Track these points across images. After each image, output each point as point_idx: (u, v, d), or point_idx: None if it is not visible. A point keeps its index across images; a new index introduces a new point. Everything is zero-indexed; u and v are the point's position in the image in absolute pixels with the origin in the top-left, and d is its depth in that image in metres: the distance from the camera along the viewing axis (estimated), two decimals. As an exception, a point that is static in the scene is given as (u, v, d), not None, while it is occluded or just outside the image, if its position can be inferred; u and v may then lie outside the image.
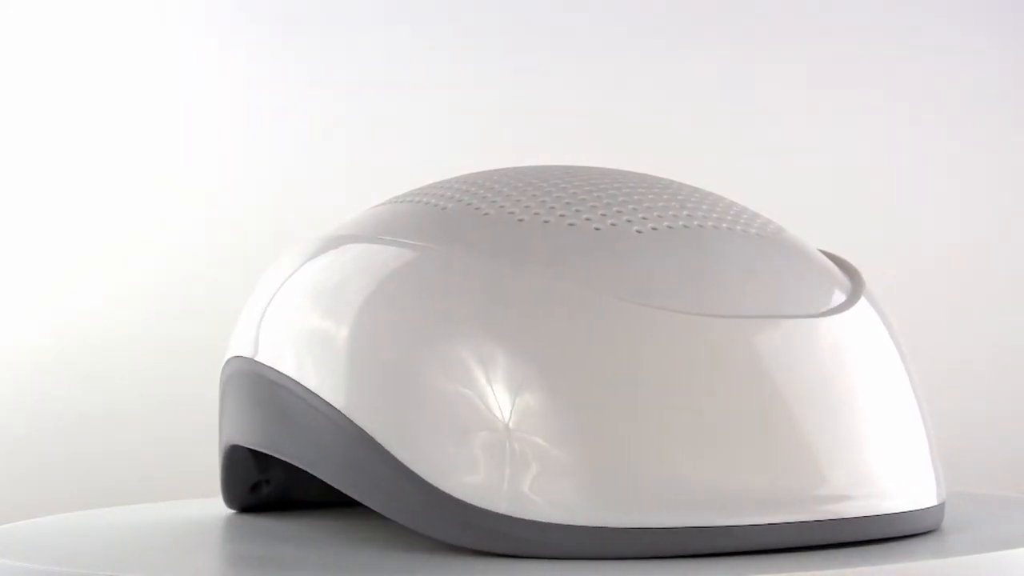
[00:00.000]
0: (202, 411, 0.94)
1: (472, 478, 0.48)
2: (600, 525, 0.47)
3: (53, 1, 1.00)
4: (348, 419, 0.51)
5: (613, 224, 0.52)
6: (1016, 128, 1.02)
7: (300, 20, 1.02)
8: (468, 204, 0.54)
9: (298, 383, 0.54)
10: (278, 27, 1.02)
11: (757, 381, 0.49)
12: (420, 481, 0.49)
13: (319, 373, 0.53)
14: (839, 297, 0.53)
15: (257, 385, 0.57)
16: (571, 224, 0.52)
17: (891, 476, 0.51)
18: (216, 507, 0.66)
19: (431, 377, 0.50)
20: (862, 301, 0.53)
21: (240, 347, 0.59)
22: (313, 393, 0.53)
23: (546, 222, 0.52)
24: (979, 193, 1.02)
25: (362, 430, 0.51)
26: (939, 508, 0.54)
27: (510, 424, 0.48)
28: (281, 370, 0.55)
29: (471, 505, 0.48)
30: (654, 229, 0.52)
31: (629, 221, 0.52)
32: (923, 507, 0.52)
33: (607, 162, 0.61)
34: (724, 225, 0.53)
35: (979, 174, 1.02)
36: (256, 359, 0.58)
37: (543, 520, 0.47)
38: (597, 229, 0.52)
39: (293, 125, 1.01)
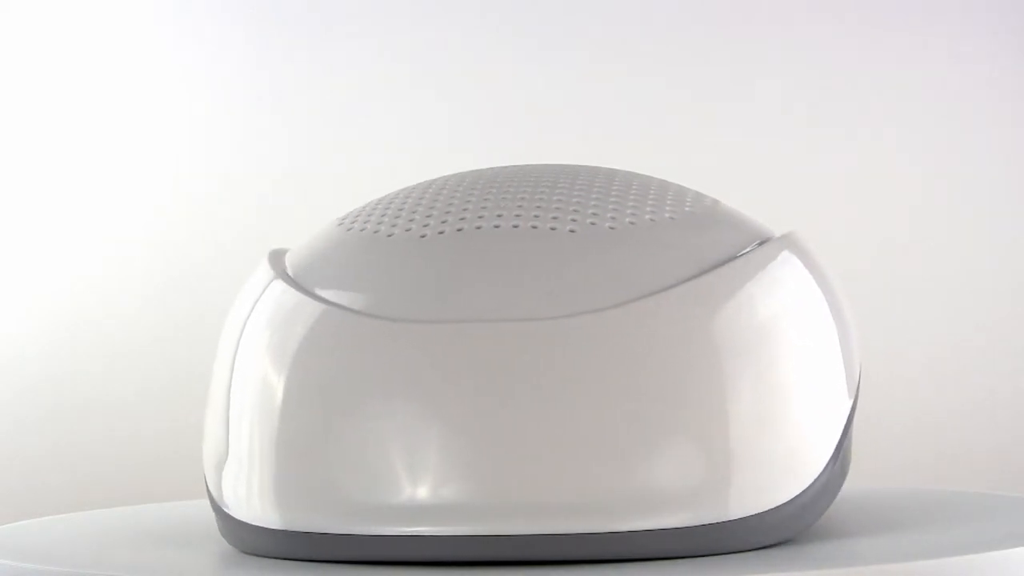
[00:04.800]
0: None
1: (228, 493, 0.52)
2: (305, 531, 0.49)
3: (51, 0, 1.00)
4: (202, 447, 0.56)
5: (407, 230, 0.52)
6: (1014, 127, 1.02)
7: (298, 20, 1.02)
8: (348, 217, 0.56)
9: None
10: (278, 24, 1.02)
11: (453, 387, 0.48)
12: (211, 497, 0.53)
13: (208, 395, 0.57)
14: (624, 296, 0.50)
15: None
16: (375, 232, 0.53)
17: (618, 491, 0.48)
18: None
19: (211, 401, 0.54)
20: (653, 300, 0.50)
21: None
22: None
23: (362, 230, 0.53)
24: (975, 193, 1.02)
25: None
26: (729, 526, 0.49)
27: (243, 438, 0.51)
28: None
29: (231, 516, 0.52)
30: (440, 233, 0.52)
31: (426, 225, 0.52)
32: (676, 526, 0.49)
33: (602, 160, 0.61)
34: (530, 224, 0.51)
35: (978, 174, 1.02)
36: None
37: (265, 526, 0.50)
38: (389, 236, 0.52)
39: (290, 121, 1.01)
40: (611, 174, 0.56)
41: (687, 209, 0.54)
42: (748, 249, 0.53)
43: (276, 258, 0.55)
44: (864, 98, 1.02)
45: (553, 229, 0.51)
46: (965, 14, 1.02)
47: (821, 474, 0.52)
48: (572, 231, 0.51)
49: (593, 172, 0.56)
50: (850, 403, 0.53)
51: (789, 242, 0.54)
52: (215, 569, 0.50)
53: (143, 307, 0.99)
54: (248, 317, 0.53)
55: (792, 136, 1.01)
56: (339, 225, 0.55)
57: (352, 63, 1.02)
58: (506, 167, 0.57)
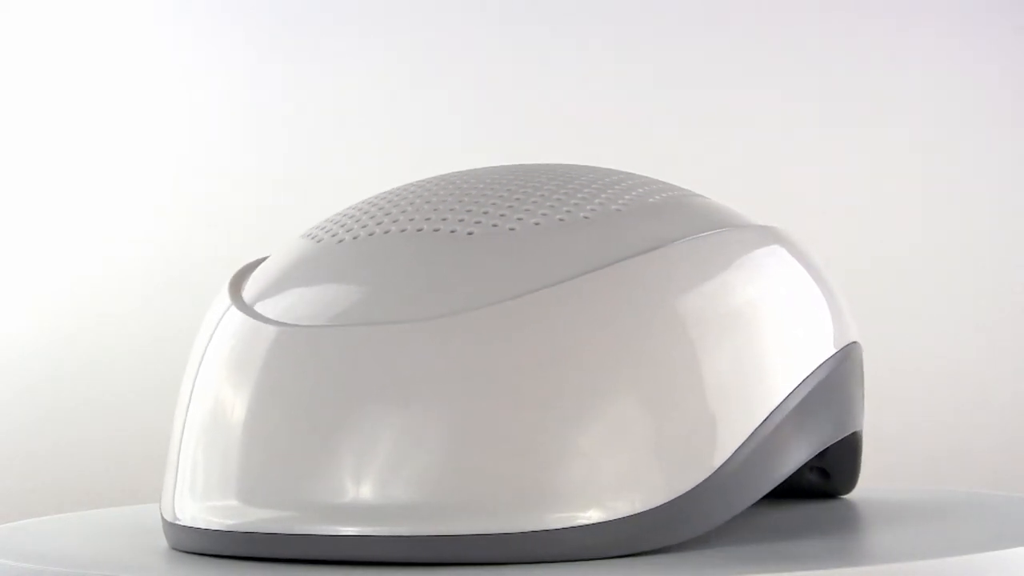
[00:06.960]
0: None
1: (165, 500, 0.54)
2: (222, 529, 0.50)
3: (51, 1, 1.00)
4: None
5: (334, 235, 0.54)
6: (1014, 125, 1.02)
7: (298, 20, 1.02)
8: (316, 225, 0.57)
9: None
10: (278, 24, 1.02)
11: (334, 389, 0.49)
12: (162, 515, 0.54)
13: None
14: (497, 296, 0.49)
15: None
16: (312, 238, 0.54)
17: (493, 491, 0.48)
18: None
19: (174, 422, 0.55)
20: (530, 297, 0.49)
21: None
22: None
23: (309, 237, 0.55)
24: (976, 193, 1.02)
25: None
26: (610, 525, 0.48)
27: (184, 446, 0.53)
28: None
29: (165, 520, 0.53)
30: (355, 239, 0.53)
31: (350, 230, 0.53)
32: (562, 527, 0.48)
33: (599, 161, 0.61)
34: (433, 227, 0.52)
35: (978, 174, 1.02)
36: None
37: (195, 526, 0.51)
38: (319, 242, 0.54)
39: (290, 121, 1.01)
40: (554, 172, 0.55)
41: (614, 208, 0.53)
42: (666, 243, 0.52)
43: (237, 279, 0.56)
44: (865, 98, 1.02)
45: (453, 232, 0.52)
46: (965, 14, 1.02)
47: (723, 467, 0.49)
48: (470, 233, 0.52)
49: (534, 172, 0.55)
50: (784, 394, 0.51)
51: (709, 239, 0.53)
52: (214, 568, 0.50)
53: (143, 307, 0.99)
54: (207, 342, 0.54)
55: (792, 136, 1.01)
56: (301, 232, 0.56)
57: (352, 63, 1.02)
58: (466, 171, 0.57)
